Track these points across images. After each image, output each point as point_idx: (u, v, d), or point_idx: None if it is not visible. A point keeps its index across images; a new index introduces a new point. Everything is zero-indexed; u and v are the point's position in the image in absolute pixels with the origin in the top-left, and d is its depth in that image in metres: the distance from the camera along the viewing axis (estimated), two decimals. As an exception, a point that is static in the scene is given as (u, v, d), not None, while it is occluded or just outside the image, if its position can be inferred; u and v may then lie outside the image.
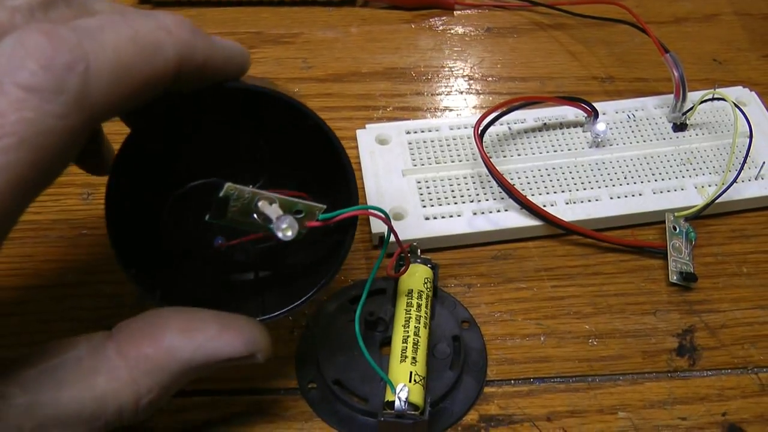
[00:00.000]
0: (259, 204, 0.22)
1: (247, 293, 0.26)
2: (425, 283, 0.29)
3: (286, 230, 0.21)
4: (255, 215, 0.22)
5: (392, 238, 0.25)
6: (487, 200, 0.33)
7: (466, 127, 0.35)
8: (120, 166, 0.22)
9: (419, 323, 0.27)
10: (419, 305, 0.28)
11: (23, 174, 0.16)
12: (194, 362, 0.21)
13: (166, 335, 0.21)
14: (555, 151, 0.35)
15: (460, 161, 0.34)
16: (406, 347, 0.27)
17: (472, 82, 0.40)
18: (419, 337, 0.27)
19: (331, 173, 0.24)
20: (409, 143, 0.35)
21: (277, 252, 0.26)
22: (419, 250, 0.30)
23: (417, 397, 0.25)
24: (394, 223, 0.31)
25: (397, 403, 0.25)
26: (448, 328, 0.29)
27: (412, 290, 0.28)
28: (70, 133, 0.17)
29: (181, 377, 0.21)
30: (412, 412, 0.25)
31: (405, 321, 0.27)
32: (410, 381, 0.26)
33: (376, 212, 0.24)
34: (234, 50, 0.21)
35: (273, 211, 0.22)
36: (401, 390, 0.25)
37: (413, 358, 0.26)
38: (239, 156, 0.26)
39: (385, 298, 0.29)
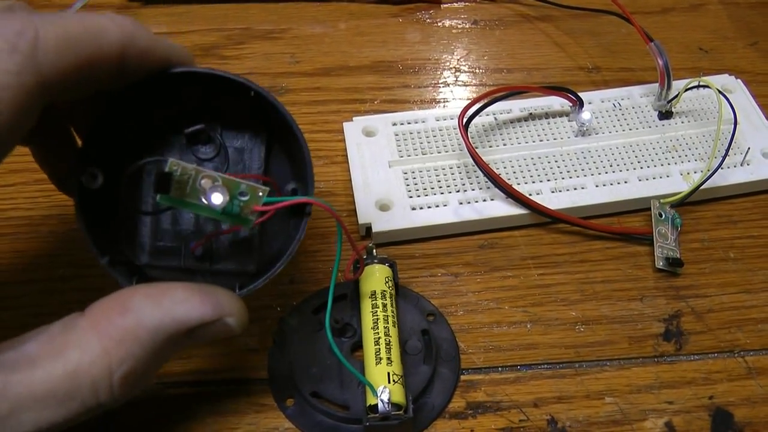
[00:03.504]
0: (202, 182, 0.22)
1: (223, 279, 0.26)
2: (386, 282, 0.28)
3: (216, 198, 0.22)
4: (198, 193, 0.22)
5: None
6: (473, 190, 0.33)
7: (452, 118, 0.35)
8: (87, 152, 0.23)
9: (388, 323, 0.27)
10: (384, 305, 0.28)
11: None
12: (164, 328, 0.21)
13: (134, 302, 0.21)
14: (541, 141, 0.35)
15: (447, 152, 0.34)
16: (380, 348, 0.27)
17: (458, 74, 0.40)
18: (390, 336, 0.27)
19: (288, 144, 0.25)
20: (396, 135, 0.35)
21: (252, 246, 0.26)
22: (375, 250, 0.30)
23: (398, 397, 0.25)
24: (380, 214, 0.32)
25: (380, 405, 0.25)
26: (415, 323, 0.29)
27: (374, 291, 0.28)
28: (24, 90, 0.19)
29: (154, 348, 0.21)
30: (396, 412, 0.25)
31: (373, 323, 0.27)
32: (389, 381, 0.26)
33: (322, 204, 0.23)
34: (175, 46, 0.23)
35: (213, 188, 0.22)
36: (383, 392, 0.25)
37: (388, 358, 0.26)
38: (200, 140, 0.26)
39: (346, 303, 0.29)
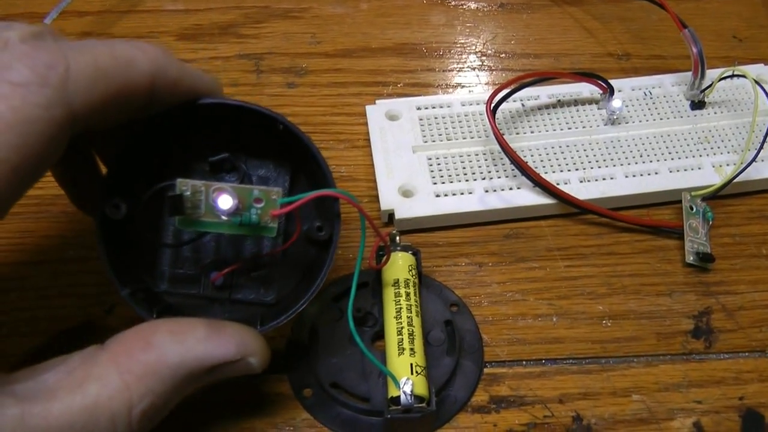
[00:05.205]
0: (214, 195, 0.22)
1: (242, 308, 0.26)
2: (410, 270, 0.28)
3: (223, 202, 0.22)
4: (213, 210, 0.22)
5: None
6: (499, 178, 0.32)
7: (478, 104, 0.35)
8: (111, 183, 0.23)
9: (411, 312, 0.27)
10: (408, 294, 0.27)
11: (10, 157, 0.18)
12: (185, 366, 0.21)
13: (156, 339, 0.21)
14: (569, 129, 0.34)
15: (472, 138, 0.33)
16: (402, 339, 0.26)
17: (484, 58, 0.39)
18: (413, 326, 0.26)
19: (313, 174, 0.25)
20: (420, 119, 0.34)
21: (272, 276, 0.26)
22: (398, 237, 0.29)
23: (421, 389, 0.25)
24: (403, 200, 0.31)
25: (402, 397, 0.24)
26: (438, 313, 0.28)
27: (398, 279, 0.27)
28: (54, 123, 0.19)
29: (175, 384, 0.21)
30: (419, 405, 0.24)
31: (396, 312, 0.27)
32: (412, 373, 0.25)
33: (342, 195, 0.23)
34: (204, 75, 0.24)
35: (220, 193, 0.22)
36: (405, 383, 0.24)
37: (411, 349, 0.26)
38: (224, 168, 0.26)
39: (368, 291, 0.29)
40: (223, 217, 0.22)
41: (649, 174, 0.33)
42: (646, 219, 0.32)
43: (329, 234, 0.24)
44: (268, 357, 0.23)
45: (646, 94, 0.36)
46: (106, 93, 0.20)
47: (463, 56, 0.39)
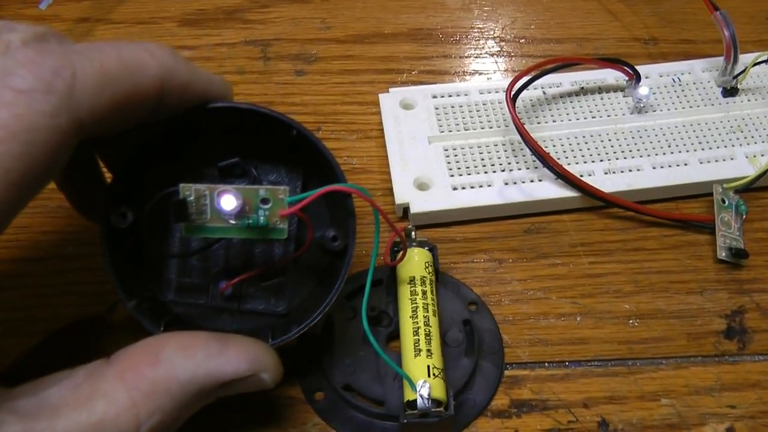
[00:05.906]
0: (218, 198, 0.22)
1: (252, 318, 0.25)
2: (426, 267, 0.27)
3: (226, 203, 0.21)
4: (220, 214, 0.22)
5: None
6: (519, 169, 0.31)
7: (497, 92, 0.34)
8: (117, 191, 0.23)
9: (428, 311, 0.26)
10: (424, 292, 0.26)
11: (13, 166, 0.17)
12: (196, 382, 0.20)
13: (165, 354, 0.20)
14: (593, 117, 0.33)
15: (491, 128, 0.33)
16: (419, 339, 0.25)
17: (503, 43, 0.39)
18: (430, 326, 0.26)
19: (326, 179, 0.24)
20: (436, 108, 0.33)
21: (283, 286, 0.25)
22: (414, 233, 0.28)
23: (439, 392, 0.24)
24: (419, 194, 0.31)
25: (419, 401, 0.24)
26: (455, 312, 0.28)
27: (413, 277, 0.27)
28: (59, 132, 0.18)
29: (184, 401, 0.20)
30: (437, 409, 0.24)
31: (412, 311, 0.26)
32: (429, 375, 0.24)
33: (354, 189, 0.22)
34: (214, 78, 0.23)
35: (222, 193, 0.22)
36: (422, 386, 0.24)
37: (428, 350, 0.25)
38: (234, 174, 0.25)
39: (382, 289, 0.28)
40: (230, 221, 0.22)
41: (678, 165, 0.32)
42: (675, 213, 0.31)
43: (344, 244, 0.24)
44: (281, 373, 0.22)
45: (674, 81, 0.35)
46: (114, 99, 0.19)
47: (481, 42, 0.39)
